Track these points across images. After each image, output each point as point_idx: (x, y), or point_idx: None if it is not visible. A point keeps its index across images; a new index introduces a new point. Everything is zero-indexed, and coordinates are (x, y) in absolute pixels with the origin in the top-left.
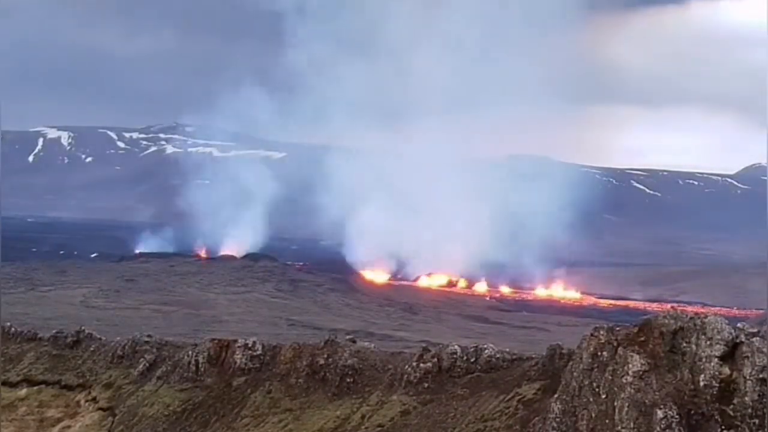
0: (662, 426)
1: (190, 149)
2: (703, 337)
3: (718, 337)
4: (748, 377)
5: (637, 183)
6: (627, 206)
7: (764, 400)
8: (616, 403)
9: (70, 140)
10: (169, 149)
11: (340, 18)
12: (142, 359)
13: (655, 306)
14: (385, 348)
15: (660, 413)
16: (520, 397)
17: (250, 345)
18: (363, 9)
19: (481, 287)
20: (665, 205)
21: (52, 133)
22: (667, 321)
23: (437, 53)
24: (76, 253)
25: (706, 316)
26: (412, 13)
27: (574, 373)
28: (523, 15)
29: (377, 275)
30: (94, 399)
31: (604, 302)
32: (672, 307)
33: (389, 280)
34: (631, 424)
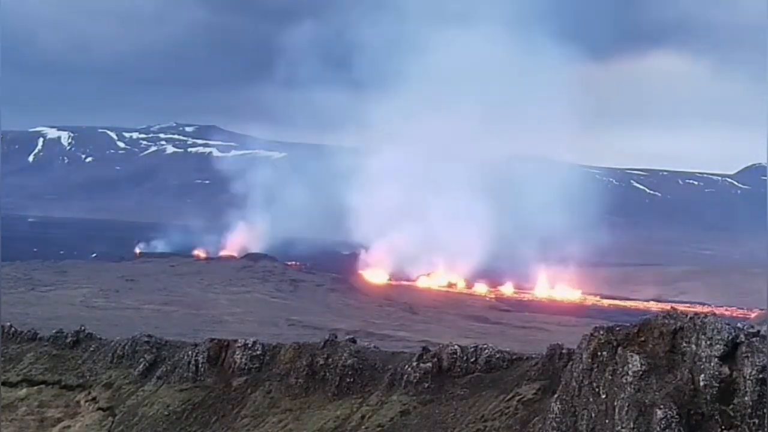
0: (662, 426)
1: (190, 149)
2: (703, 337)
3: (718, 337)
4: (748, 377)
5: (637, 183)
6: (627, 206)
7: (764, 400)
8: (616, 403)
9: (70, 140)
10: (169, 149)
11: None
12: (142, 359)
13: (655, 306)
14: (385, 348)
15: (660, 413)
16: (520, 397)
17: (250, 345)
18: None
19: (481, 287)
20: (665, 205)
21: (52, 133)
22: (667, 321)
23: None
24: (76, 253)
25: (706, 316)
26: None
27: (574, 373)
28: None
29: (377, 275)
30: (94, 399)
31: (604, 302)
32: (672, 307)
33: (389, 280)
34: (631, 424)
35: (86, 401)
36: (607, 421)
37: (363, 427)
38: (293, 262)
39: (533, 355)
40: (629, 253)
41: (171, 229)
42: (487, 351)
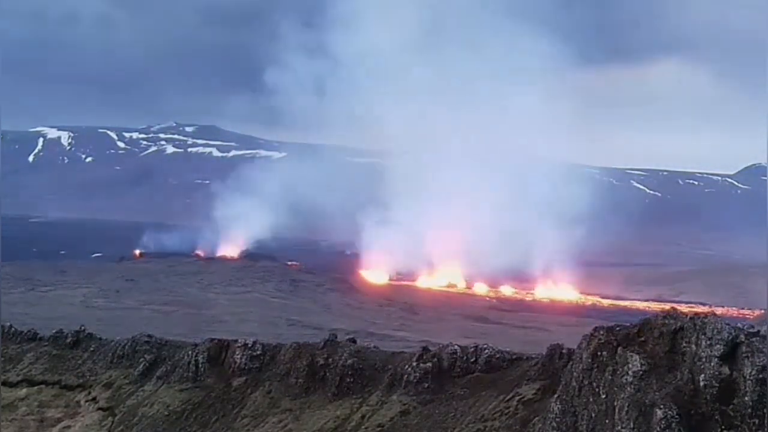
0: (662, 426)
1: (190, 149)
2: (703, 337)
3: (718, 337)
4: (748, 377)
5: (637, 183)
6: (627, 206)
7: (764, 400)
8: (616, 403)
9: (70, 140)
10: (169, 149)
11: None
12: (142, 359)
13: (655, 306)
14: (385, 348)
15: (660, 413)
16: (520, 397)
17: (250, 345)
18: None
19: (481, 287)
20: (665, 205)
21: (52, 133)
22: (667, 321)
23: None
24: (76, 253)
25: (706, 316)
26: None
27: (574, 373)
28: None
29: (377, 275)
30: (94, 399)
31: (604, 302)
32: (672, 307)
33: (389, 280)
34: (631, 424)
35: (86, 401)
36: (607, 421)
37: (363, 427)
38: (293, 262)
39: (533, 355)
40: (629, 253)
41: (171, 229)
42: (487, 351)
